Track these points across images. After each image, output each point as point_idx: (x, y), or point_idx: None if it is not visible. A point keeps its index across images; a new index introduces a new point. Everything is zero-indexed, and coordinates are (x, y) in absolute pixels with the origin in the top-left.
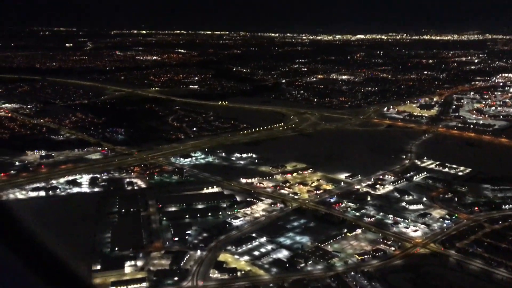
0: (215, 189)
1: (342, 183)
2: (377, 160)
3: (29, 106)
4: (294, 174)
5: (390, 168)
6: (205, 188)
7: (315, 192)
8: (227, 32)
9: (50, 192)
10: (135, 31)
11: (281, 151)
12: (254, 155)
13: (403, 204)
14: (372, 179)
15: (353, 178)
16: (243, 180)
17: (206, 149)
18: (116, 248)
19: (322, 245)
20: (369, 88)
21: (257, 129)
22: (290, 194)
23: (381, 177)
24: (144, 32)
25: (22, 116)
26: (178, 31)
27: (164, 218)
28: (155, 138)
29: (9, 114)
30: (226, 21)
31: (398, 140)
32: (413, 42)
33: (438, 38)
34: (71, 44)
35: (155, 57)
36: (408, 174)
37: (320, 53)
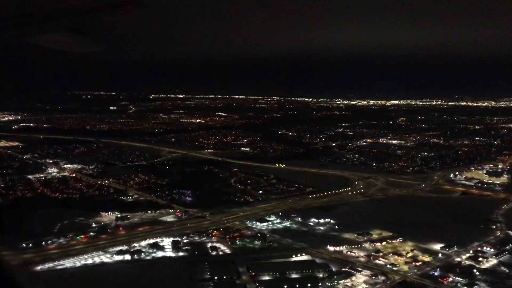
0: (305, 257)
1: (440, 255)
2: (466, 229)
3: (90, 167)
4: (384, 243)
5: (484, 239)
6: (293, 256)
7: (414, 263)
8: (260, 97)
9: (135, 256)
10: (172, 95)
11: (358, 217)
12: (332, 221)
13: None
14: (471, 251)
15: (450, 249)
16: (331, 248)
17: (280, 213)
18: None
19: None
20: (425, 153)
21: (325, 193)
22: (388, 265)
23: (479, 248)
24: (181, 96)
25: (86, 177)
26: (213, 95)
27: None
28: (223, 200)
29: (74, 175)
30: (255, 85)
31: (479, 209)
32: (451, 108)
33: (475, 104)
34: (114, 107)
35: (199, 120)
36: (508, 247)
37: (360, 118)
